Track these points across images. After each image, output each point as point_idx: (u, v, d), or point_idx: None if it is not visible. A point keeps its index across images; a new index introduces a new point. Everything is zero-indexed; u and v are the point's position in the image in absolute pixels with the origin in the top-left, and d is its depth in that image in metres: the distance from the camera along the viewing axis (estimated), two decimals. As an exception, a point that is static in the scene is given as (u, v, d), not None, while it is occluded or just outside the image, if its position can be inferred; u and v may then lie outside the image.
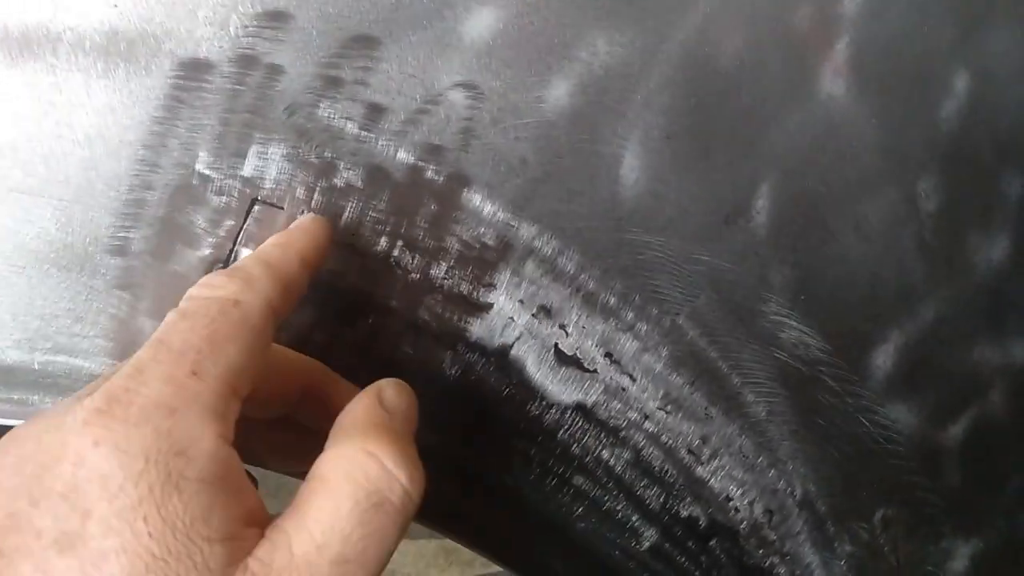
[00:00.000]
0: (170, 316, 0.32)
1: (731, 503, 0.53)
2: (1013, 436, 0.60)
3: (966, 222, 0.55)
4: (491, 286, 0.44)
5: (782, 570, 0.55)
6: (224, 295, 0.33)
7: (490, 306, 0.45)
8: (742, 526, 0.53)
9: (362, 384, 0.36)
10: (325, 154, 0.41)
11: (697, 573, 0.53)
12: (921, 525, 0.59)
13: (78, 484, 0.28)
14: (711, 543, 0.53)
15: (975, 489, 0.61)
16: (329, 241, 0.39)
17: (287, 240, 0.38)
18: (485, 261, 0.44)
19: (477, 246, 0.44)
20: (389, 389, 0.36)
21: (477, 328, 0.45)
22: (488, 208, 0.43)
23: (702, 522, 0.52)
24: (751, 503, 0.53)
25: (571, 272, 0.46)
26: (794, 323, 0.51)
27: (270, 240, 0.38)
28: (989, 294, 0.57)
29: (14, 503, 0.28)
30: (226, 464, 0.30)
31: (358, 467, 0.31)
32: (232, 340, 0.32)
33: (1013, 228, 0.56)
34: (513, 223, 0.44)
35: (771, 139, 0.48)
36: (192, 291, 0.33)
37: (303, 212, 0.41)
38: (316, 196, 0.41)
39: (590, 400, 0.48)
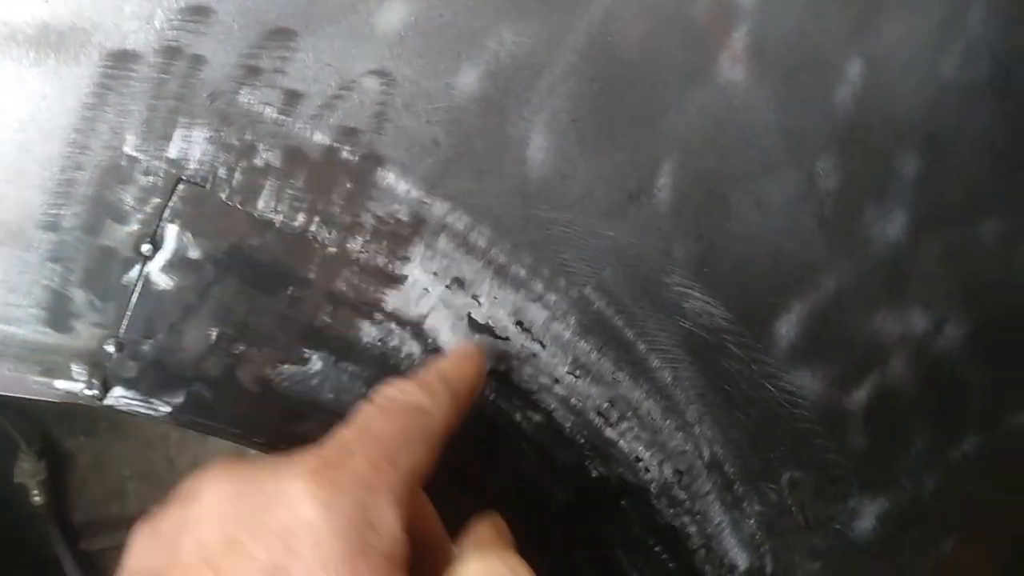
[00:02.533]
0: (369, 408, 0.39)
1: (640, 464, 0.56)
2: (914, 401, 0.64)
3: (863, 199, 0.58)
4: (406, 259, 0.48)
5: (692, 529, 0.59)
6: (415, 402, 0.39)
7: (405, 278, 0.48)
8: (652, 486, 0.57)
9: (282, 347, 0.40)
10: (246, 136, 0.44)
11: (610, 531, 0.57)
12: (828, 486, 0.63)
13: (291, 527, 0.33)
14: (622, 502, 0.56)
15: (880, 451, 0.65)
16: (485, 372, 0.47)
17: (461, 367, 0.44)
18: (400, 236, 0.47)
19: (392, 221, 0.47)
20: (498, 517, 0.44)
21: (393, 298, 0.48)
22: (402, 186, 0.47)
23: (613, 482, 0.56)
24: (660, 464, 0.57)
25: (483, 246, 0.49)
26: (698, 294, 0.54)
27: (448, 363, 0.44)
28: (888, 267, 0.60)
29: (234, 530, 0.33)
30: (403, 548, 0.35)
31: (508, 572, 0.37)
32: (418, 442, 0.38)
33: (909, 205, 0.60)
34: (426, 200, 0.47)
35: (672, 122, 0.52)
36: (387, 391, 0.40)
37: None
38: (237, 175, 0.45)
39: (502, 366, 0.51)
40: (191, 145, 0.44)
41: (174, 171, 0.44)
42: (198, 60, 0.43)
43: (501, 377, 0.51)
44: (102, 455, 1.17)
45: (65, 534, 1.16)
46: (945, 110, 0.60)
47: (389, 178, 0.47)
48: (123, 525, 1.18)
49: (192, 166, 0.44)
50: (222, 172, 0.44)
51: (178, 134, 0.43)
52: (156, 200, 0.44)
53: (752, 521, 0.61)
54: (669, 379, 0.55)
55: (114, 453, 1.17)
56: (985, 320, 0.65)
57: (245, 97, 0.44)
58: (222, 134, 0.44)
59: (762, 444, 0.60)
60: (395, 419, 0.38)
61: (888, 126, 0.58)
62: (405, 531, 0.35)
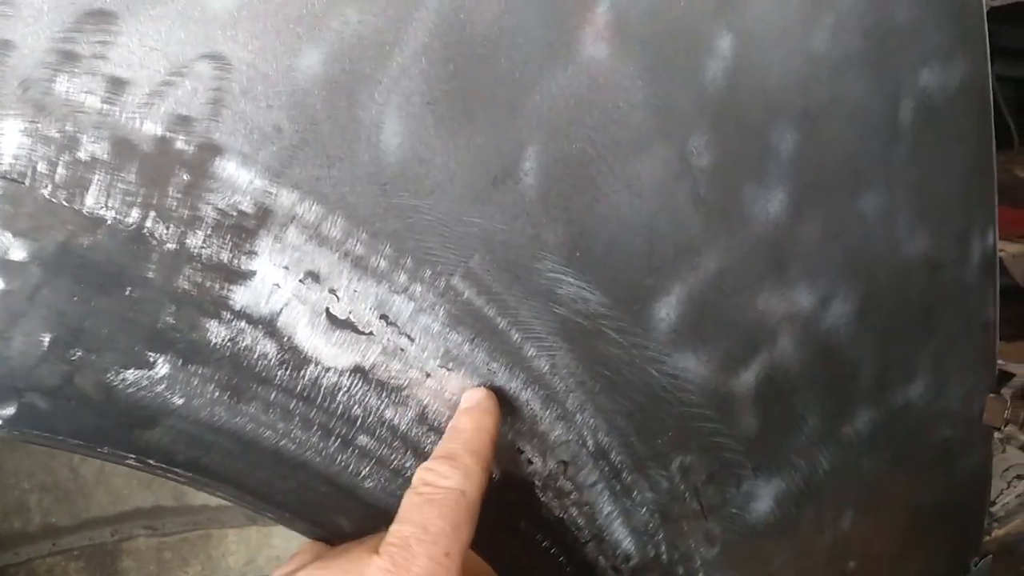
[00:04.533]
0: (416, 499, 0.45)
1: (523, 455, 0.55)
2: (804, 379, 0.64)
3: (740, 177, 0.58)
4: (252, 253, 0.45)
5: (581, 521, 0.58)
6: (454, 486, 0.46)
7: (253, 273, 0.46)
8: (536, 478, 0.56)
9: (123, 351, 0.39)
10: (67, 128, 0.41)
11: (492, 527, 0.55)
12: (721, 469, 0.62)
13: None
14: (507, 495, 0.55)
15: (772, 432, 0.64)
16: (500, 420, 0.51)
17: (480, 425, 0.49)
18: (244, 229, 0.45)
19: (234, 214, 0.44)
20: None
21: (241, 296, 0.46)
22: (243, 176, 0.44)
23: (495, 475, 0.54)
24: (544, 455, 0.55)
25: (337, 237, 0.47)
26: (571, 279, 0.53)
27: (467, 423, 0.49)
28: (769, 245, 0.60)
29: None
30: None
31: None
32: (464, 525, 0.45)
33: (788, 181, 0.59)
34: (271, 190, 0.45)
35: (534, 102, 0.50)
36: (425, 477, 0.46)
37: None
38: (60, 170, 0.42)
39: (368, 362, 0.49)
40: (3, 138, 0.41)
41: (-15, 166, 0.41)
42: (5, 45, 0.40)
43: (367, 375, 0.49)
44: (0, 468, 1.12)
45: (-35, 553, 1.11)
46: (818, 84, 0.59)
47: (229, 168, 0.44)
48: (25, 540, 1.13)
49: (6, 161, 0.41)
50: (42, 167, 0.41)
51: (-14, 126, 0.40)
52: (-33, 198, 0.41)
53: (644, 509, 0.60)
54: (546, 368, 0.54)
55: (12, 465, 1.12)
56: (870, 294, 0.65)
57: (63, 85, 0.41)
58: (39, 126, 0.41)
59: (649, 430, 0.58)
60: (443, 511, 0.45)
61: (761, 102, 0.57)
62: None
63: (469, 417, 0.50)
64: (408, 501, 0.46)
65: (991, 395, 0.73)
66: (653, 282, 0.56)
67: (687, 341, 0.58)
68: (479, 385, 0.52)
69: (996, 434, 0.92)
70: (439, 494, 0.45)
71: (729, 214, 0.58)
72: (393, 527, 0.45)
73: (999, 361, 0.78)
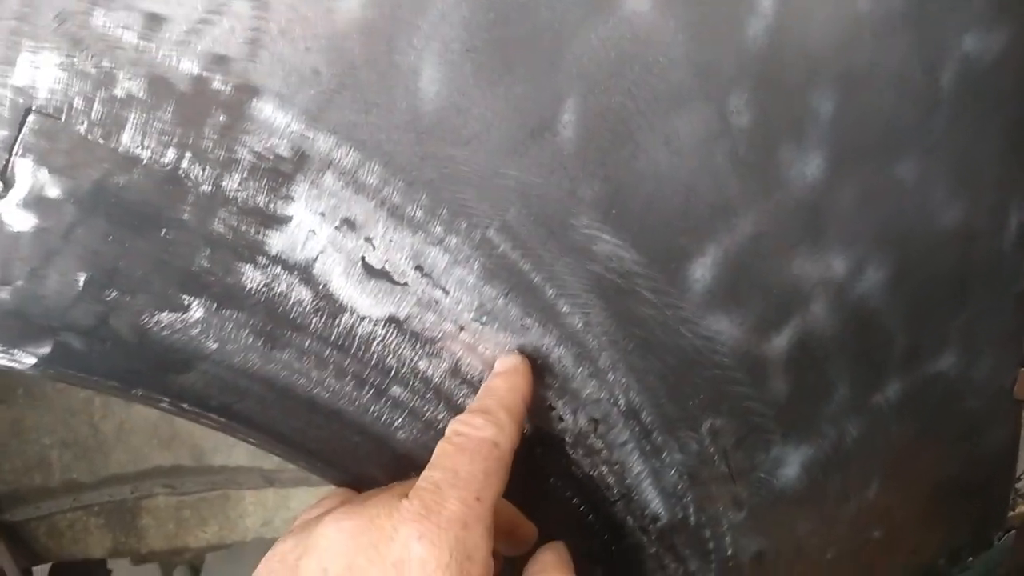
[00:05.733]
0: (448, 447, 0.46)
1: (554, 412, 0.54)
2: (836, 346, 0.63)
3: (779, 138, 0.56)
4: (289, 198, 0.45)
5: (611, 480, 0.58)
6: (488, 436, 0.46)
7: (289, 219, 0.45)
8: (567, 435, 0.55)
9: (158, 294, 0.39)
10: (103, 64, 0.41)
11: (523, 482, 0.55)
12: (750, 434, 0.62)
13: (404, 560, 0.41)
14: (537, 451, 0.55)
15: (802, 398, 0.63)
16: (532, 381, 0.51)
17: (514, 385, 0.50)
18: (281, 173, 0.44)
19: (271, 157, 0.44)
20: (561, 545, 0.52)
21: (277, 241, 0.45)
22: (281, 119, 0.44)
23: (527, 430, 0.54)
24: (574, 412, 0.55)
25: (374, 185, 0.46)
26: (607, 236, 0.52)
27: (501, 383, 0.50)
28: (806, 209, 0.59)
29: (355, 558, 0.42)
30: (491, 569, 0.43)
31: None
32: (496, 474, 0.45)
33: (826, 144, 0.58)
34: (308, 134, 0.44)
35: (574, 54, 0.49)
36: (459, 428, 0.46)
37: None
38: (96, 107, 0.41)
39: (403, 312, 0.49)
40: (40, 72, 0.40)
41: (22, 100, 0.40)
42: (44, -23, 0.39)
43: (401, 325, 0.48)
44: (20, 424, 1.13)
45: (-15, 506, 1.12)
46: (860, 46, 0.58)
47: (266, 110, 0.43)
48: (46, 495, 1.14)
49: (43, 95, 0.40)
50: (78, 103, 0.41)
51: (24, 59, 0.40)
52: (3, 132, 0.40)
53: (673, 471, 0.60)
54: (580, 325, 0.53)
55: (34, 421, 1.13)
56: (905, 262, 0.64)
57: (99, 19, 0.40)
58: (75, 60, 0.40)
59: (680, 391, 0.58)
60: (475, 458, 0.45)
61: (802, 62, 0.56)
62: (491, 554, 0.43)
63: (504, 379, 0.50)
64: (440, 449, 0.46)
65: (1022, 368, 0.72)
66: (689, 242, 0.55)
67: (721, 303, 0.57)
68: (514, 349, 0.51)
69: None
70: (472, 443, 0.46)
71: (767, 175, 0.57)
72: (424, 473, 0.45)
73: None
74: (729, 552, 0.64)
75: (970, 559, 0.81)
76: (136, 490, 1.15)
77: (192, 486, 1.22)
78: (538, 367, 0.52)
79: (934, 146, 0.63)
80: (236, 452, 1.15)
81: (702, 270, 0.56)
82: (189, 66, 0.42)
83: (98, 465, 1.14)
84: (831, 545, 0.71)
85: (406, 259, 0.48)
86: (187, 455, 1.19)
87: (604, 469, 0.57)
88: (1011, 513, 0.81)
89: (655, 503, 0.59)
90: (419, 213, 0.47)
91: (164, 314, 0.45)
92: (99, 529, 1.17)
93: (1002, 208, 0.69)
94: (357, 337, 0.48)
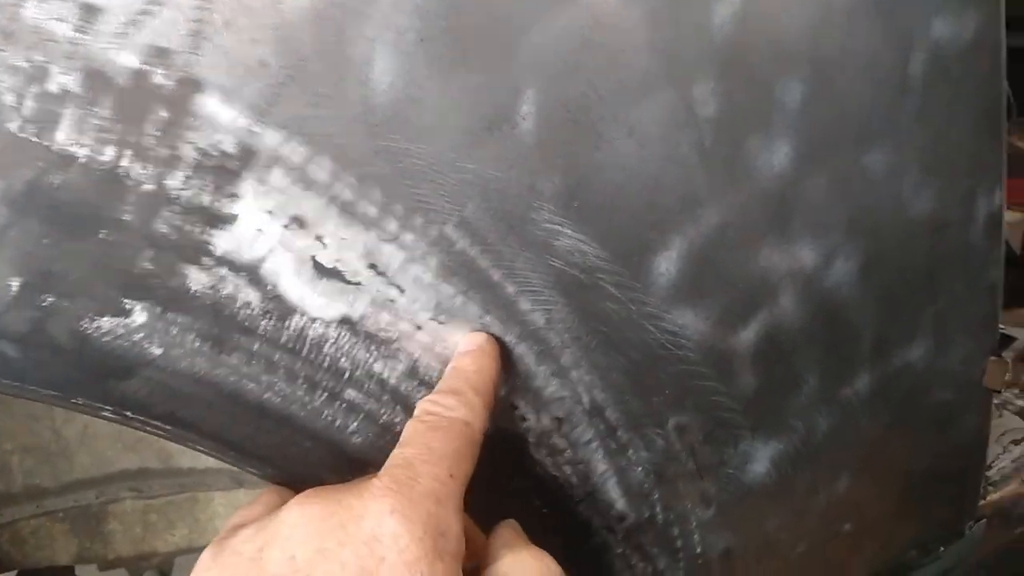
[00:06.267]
0: (419, 426, 0.44)
1: (517, 411, 0.53)
2: (805, 339, 0.62)
3: (746, 128, 0.55)
4: (235, 196, 0.43)
5: (575, 479, 0.56)
6: (460, 416, 0.45)
7: (235, 217, 0.43)
8: (530, 435, 0.54)
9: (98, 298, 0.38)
10: (35, 58, 0.39)
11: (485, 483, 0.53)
12: (718, 429, 0.61)
13: (377, 536, 0.39)
14: (499, 451, 0.53)
15: (770, 392, 0.63)
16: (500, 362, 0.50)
17: (481, 367, 0.48)
18: (226, 170, 0.42)
19: (216, 154, 0.42)
20: (514, 522, 0.49)
21: (223, 241, 0.43)
22: (226, 114, 0.42)
23: (489, 430, 0.52)
24: (537, 411, 0.54)
25: (324, 180, 0.44)
26: (569, 231, 0.51)
27: (469, 363, 0.48)
28: (773, 199, 0.58)
29: (324, 542, 0.39)
30: (463, 547, 0.42)
31: (538, 562, 0.45)
32: (468, 455, 0.44)
33: (795, 133, 0.57)
34: (255, 129, 0.42)
35: (533, 43, 0.47)
36: (429, 407, 0.45)
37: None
38: (28, 102, 0.39)
39: (356, 313, 0.47)
40: (-34, 66, 0.38)
41: (-54, 96, 0.38)
42: (-33, -33, 0.37)
43: (355, 326, 0.47)
44: (-19, 430, 1.10)
45: (-52, 514, 1.09)
46: (829, 33, 0.57)
47: (210, 105, 0.42)
48: (9, 501, 1.11)
49: (-31, 91, 0.38)
50: (9, 99, 0.39)
51: (-53, 53, 0.38)
52: (-74, 130, 0.38)
53: (639, 469, 0.59)
54: (542, 322, 0.52)
55: (-6, 427, 1.10)
56: (874, 253, 0.64)
57: (31, 11, 0.38)
58: (5, 54, 0.38)
59: (645, 388, 0.57)
60: (448, 437, 0.44)
61: (770, 50, 0.55)
62: (463, 533, 0.42)
63: (471, 358, 0.49)
64: (411, 428, 0.45)
65: (992, 358, 0.72)
66: (653, 235, 0.54)
67: (687, 297, 0.56)
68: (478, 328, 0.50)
69: (993, 399, 0.91)
70: (444, 422, 0.45)
71: (734, 166, 0.55)
72: (395, 451, 0.43)
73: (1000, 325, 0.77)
74: (698, 550, 0.63)
75: (941, 549, 0.81)
76: (101, 495, 1.13)
77: (159, 489, 1.20)
78: (502, 362, 0.51)
79: (903, 135, 0.63)
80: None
81: (667, 263, 0.55)
82: (128, 59, 0.40)
83: (62, 470, 1.12)
84: (801, 540, 0.70)
85: (359, 257, 0.46)
86: (153, 458, 1.16)
87: (568, 469, 0.56)
88: (982, 502, 0.81)
89: (621, 502, 0.58)
90: (372, 209, 0.46)
91: (105, 319, 0.43)
92: (64, 535, 1.14)
93: (971, 198, 0.68)
94: (308, 339, 0.46)
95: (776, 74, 0.55)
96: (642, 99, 0.51)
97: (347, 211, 0.45)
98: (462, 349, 0.49)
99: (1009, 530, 0.85)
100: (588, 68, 0.49)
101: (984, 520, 0.82)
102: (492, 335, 0.50)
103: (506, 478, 0.54)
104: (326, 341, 0.47)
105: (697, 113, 0.53)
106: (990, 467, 0.83)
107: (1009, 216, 1.39)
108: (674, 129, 0.53)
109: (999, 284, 0.72)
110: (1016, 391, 0.93)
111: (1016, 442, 0.87)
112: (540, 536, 0.48)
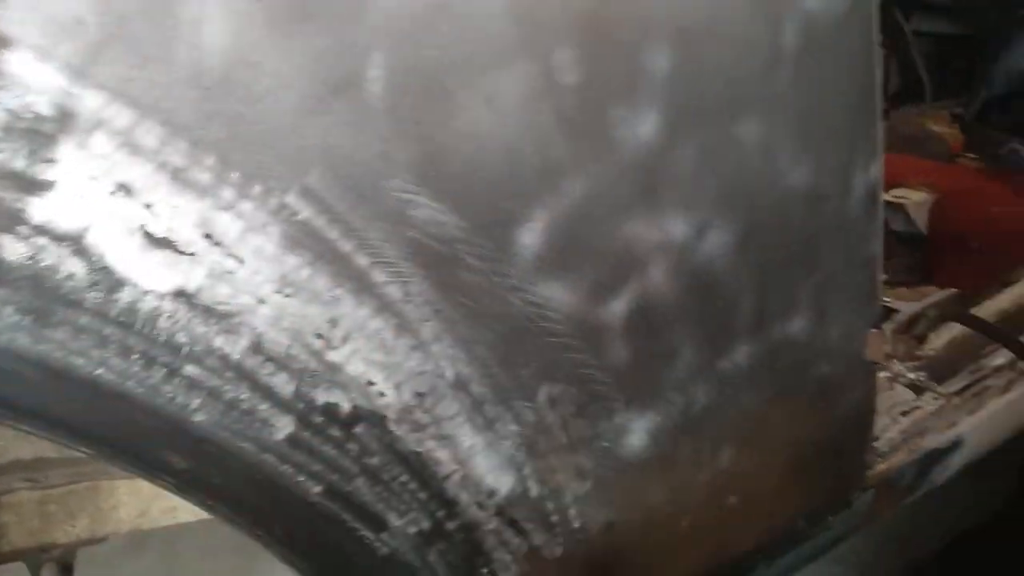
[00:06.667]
0: None
1: (374, 387, 0.52)
2: (678, 311, 0.62)
3: (609, 97, 0.55)
4: (51, 161, 0.41)
5: (441, 454, 0.55)
6: None
7: (53, 184, 0.41)
8: (389, 411, 0.53)
9: None
10: None
11: (345, 462, 0.52)
12: (591, 402, 0.60)
13: None
14: (356, 429, 0.52)
15: (645, 364, 0.62)
16: None
17: None
18: (41, 133, 0.40)
19: (29, 116, 0.40)
20: None
21: (40, 209, 0.41)
22: (39, 73, 0.39)
23: (344, 408, 0.51)
24: (397, 387, 0.52)
25: (152, 146, 0.42)
26: (425, 200, 0.50)
27: None
28: (640, 170, 0.57)
29: None
30: None
31: None
32: None
33: (661, 103, 0.56)
34: (73, 90, 0.40)
35: (380, 3, 0.46)
36: None
37: None
38: None
39: (192, 285, 0.45)
40: None
41: None
42: None
43: (191, 299, 0.45)
44: None
45: None
46: (698, 1, 0.57)
47: (22, 63, 0.39)
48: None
49: None
50: None
51: None
52: None
53: (508, 442, 0.58)
54: (399, 295, 0.50)
55: None
56: (749, 226, 0.64)
57: None
58: None
59: (512, 361, 0.56)
60: None
61: (634, 17, 0.54)
62: None
63: None
64: None
65: (872, 330, 0.73)
66: (515, 206, 0.53)
67: (552, 269, 0.55)
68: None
69: (884, 372, 0.93)
70: None
71: (597, 136, 0.55)
72: None
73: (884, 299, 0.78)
74: (576, 524, 0.63)
75: (830, 519, 0.82)
76: (-6, 486, 1.09)
77: (58, 478, 1.16)
78: (352, 339, 0.49)
79: (776, 105, 0.63)
80: (99, 439, 1.09)
81: (531, 235, 0.54)
82: (-80, 12, 0.37)
83: (-52, 462, 1.07)
84: (685, 514, 0.70)
85: (193, 227, 0.44)
86: (50, 446, 1.12)
87: (432, 444, 0.55)
88: (869, 472, 0.82)
89: (490, 477, 0.58)
90: (206, 176, 0.44)
91: (-89, 291, 0.40)
92: (-47, 530, 1.10)
93: (847, 170, 0.69)
94: (141, 312, 0.44)
95: (641, 41, 0.55)
96: (500, 66, 0.50)
97: (178, 178, 0.43)
98: None
99: (896, 500, 0.86)
100: (441, 32, 0.48)
101: (872, 490, 0.83)
102: None
103: (364, 455, 0.53)
104: (160, 314, 0.45)
105: (557, 81, 0.52)
106: (878, 438, 0.85)
107: (917, 196, 1.42)
108: (534, 98, 0.52)
109: (878, 257, 0.73)
110: (909, 364, 0.95)
111: (904, 413, 0.88)
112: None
